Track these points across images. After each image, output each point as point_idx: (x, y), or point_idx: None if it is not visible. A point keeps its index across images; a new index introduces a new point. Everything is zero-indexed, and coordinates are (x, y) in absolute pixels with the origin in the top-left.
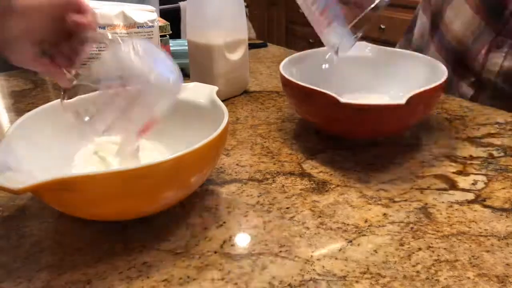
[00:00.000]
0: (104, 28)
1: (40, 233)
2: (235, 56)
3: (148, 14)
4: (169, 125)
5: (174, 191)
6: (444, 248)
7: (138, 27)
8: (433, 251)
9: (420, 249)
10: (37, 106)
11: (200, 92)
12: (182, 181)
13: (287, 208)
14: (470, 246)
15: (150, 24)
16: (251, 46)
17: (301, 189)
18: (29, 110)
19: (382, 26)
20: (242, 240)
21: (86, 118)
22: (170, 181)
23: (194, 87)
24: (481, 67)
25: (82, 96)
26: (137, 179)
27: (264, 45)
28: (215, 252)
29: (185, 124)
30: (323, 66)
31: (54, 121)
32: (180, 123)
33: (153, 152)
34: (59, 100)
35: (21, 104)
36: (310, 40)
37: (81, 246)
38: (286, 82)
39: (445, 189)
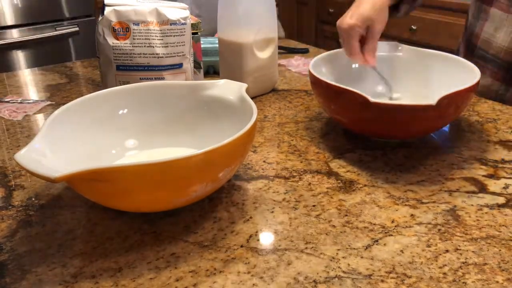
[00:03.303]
0: (138, 24)
1: (73, 221)
2: (265, 54)
3: (181, 12)
4: (199, 120)
5: (203, 185)
6: (473, 251)
7: (171, 24)
8: (460, 254)
9: (447, 251)
10: (71, 100)
11: (229, 89)
12: (211, 176)
13: (313, 206)
14: (500, 250)
15: (183, 21)
16: (293, 51)
17: (327, 188)
18: (63, 103)
19: (413, 27)
20: (268, 236)
21: None
22: (199, 175)
23: (224, 84)
24: None
25: None
26: (167, 172)
27: (305, 51)
28: (241, 246)
29: (214, 120)
30: (353, 65)
31: (90, 113)
32: (210, 119)
33: (183, 146)
34: (94, 93)
35: (56, 97)
36: (340, 40)
37: (112, 236)
38: (315, 81)
39: (474, 192)
